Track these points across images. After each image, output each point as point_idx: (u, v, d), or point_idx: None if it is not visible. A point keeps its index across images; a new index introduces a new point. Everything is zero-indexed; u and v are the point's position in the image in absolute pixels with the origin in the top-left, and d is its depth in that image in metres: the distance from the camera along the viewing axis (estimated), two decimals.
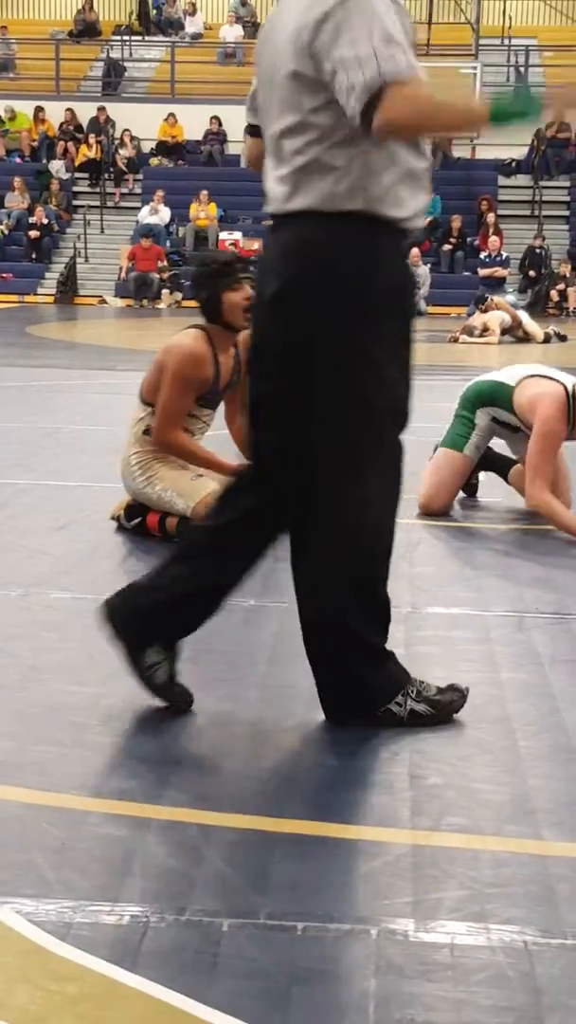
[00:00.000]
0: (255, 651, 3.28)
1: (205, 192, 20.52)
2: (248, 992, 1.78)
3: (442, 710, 2.76)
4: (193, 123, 22.22)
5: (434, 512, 4.87)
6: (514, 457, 5.05)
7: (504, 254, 19.24)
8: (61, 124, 22.55)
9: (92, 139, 22.03)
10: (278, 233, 2.64)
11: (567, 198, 21.12)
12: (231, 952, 1.87)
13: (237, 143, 22.17)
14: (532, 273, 18.87)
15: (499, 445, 5.12)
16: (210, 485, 4.29)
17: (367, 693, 2.74)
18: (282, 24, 2.54)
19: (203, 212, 20.48)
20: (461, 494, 5.17)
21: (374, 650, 2.74)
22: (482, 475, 5.25)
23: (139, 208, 21.10)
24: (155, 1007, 1.74)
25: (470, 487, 5.23)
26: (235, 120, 22.06)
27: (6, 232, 20.68)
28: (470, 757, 2.61)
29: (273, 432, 2.69)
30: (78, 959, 1.84)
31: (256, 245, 20.32)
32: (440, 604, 3.74)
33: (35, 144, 22.50)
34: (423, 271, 18.53)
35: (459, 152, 21.86)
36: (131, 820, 2.28)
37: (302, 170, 2.53)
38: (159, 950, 1.87)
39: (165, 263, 19.39)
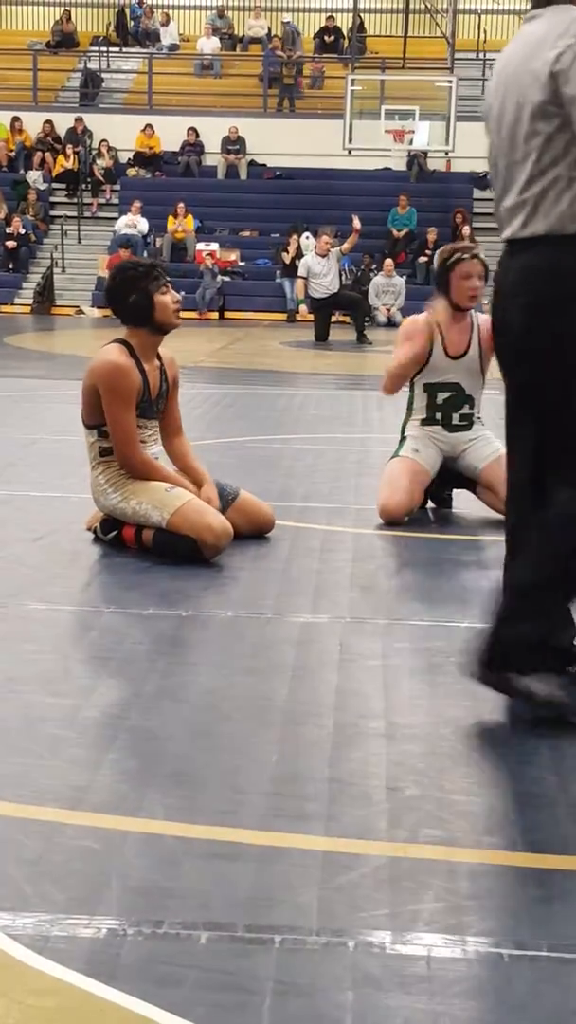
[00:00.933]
0: (233, 663, 3.28)
1: (182, 205, 20.54)
2: (226, 1005, 1.78)
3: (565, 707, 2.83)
4: (170, 134, 22.25)
5: (392, 513, 4.90)
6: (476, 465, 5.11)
7: None
8: (38, 134, 22.54)
9: (69, 149, 22.03)
10: (515, 258, 2.87)
11: None
12: (209, 965, 1.87)
13: (214, 154, 22.25)
14: None
15: None
16: (184, 496, 4.30)
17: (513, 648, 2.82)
18: (519, 61, 2.81)
19: (180, 226, 20.49)
20: (431, 505, 5.23)
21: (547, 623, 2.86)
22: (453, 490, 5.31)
23: (116, 218, 21.11)
24: (132, 1021, 1.74)
25: (443, 500, 5.28)
26: (212, 132, 22.14)
27: None
28: (447, 769, 2.62)
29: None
30: (55, 973, 1.84)
31: (233, 256, 20.38)
32: (416, 615, 3.76)
33: (12, 154, 22.48)
34: (398, 282, 18.60)
35: (434, 164, 21.98)
36: (108, 833, 2.28)
37: (540, 195, 2.77)
38: (136, 963, 1.87)
39: None
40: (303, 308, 16.48)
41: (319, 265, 14.84)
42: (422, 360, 5.04)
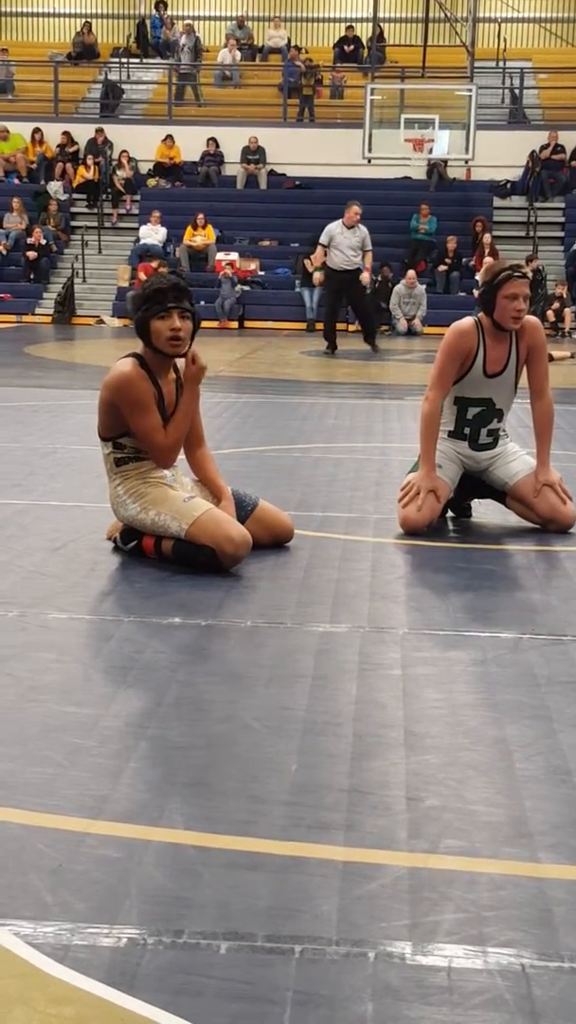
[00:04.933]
0: (252, 672, 3.28)
1: (202, 216, 20.60)
2: (245, 1015, 1.78)
3: None
4: (190, 144, 22.33)
5: (413, 524, 4.88)
6: (506, 480, 5.09)
7: None
8: (59, 145, 22.65)
9: (90, 160, 22.13)
10: None
11: (562, 219, 21.22)
12: (228, 975, 1.87)
13: (234, 164, 22.31)
14: None
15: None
16: (203, 505, 4.30)
17: None
18: None
19: (199, 237, 20.54)
20: (451, 514, 5.22)
21: None
22: (475, 501, 5.29)
23: (137, 228, 21.20)
24: None
25: (463, 510, 5.27)
26: (231, 142, 22.20)
27: (4, 253, 20.74)
28: (467, 779, 2.61)
29: None
30: (76, 981, 1.84)
31: (253, 265, 20.42)
32: (436, 625, 3.75)
33: (33, 165, 22.60)
34: (419, 291, 18.59)
35: (454, 173, 21.98)
36: (129, 842, 2.28)
37: None
38: (156, 973, 1.87)
39: None
40: (317, 276, 15.63)
41: (343, 235, 14.20)
42: (462, 372, 5.00)
